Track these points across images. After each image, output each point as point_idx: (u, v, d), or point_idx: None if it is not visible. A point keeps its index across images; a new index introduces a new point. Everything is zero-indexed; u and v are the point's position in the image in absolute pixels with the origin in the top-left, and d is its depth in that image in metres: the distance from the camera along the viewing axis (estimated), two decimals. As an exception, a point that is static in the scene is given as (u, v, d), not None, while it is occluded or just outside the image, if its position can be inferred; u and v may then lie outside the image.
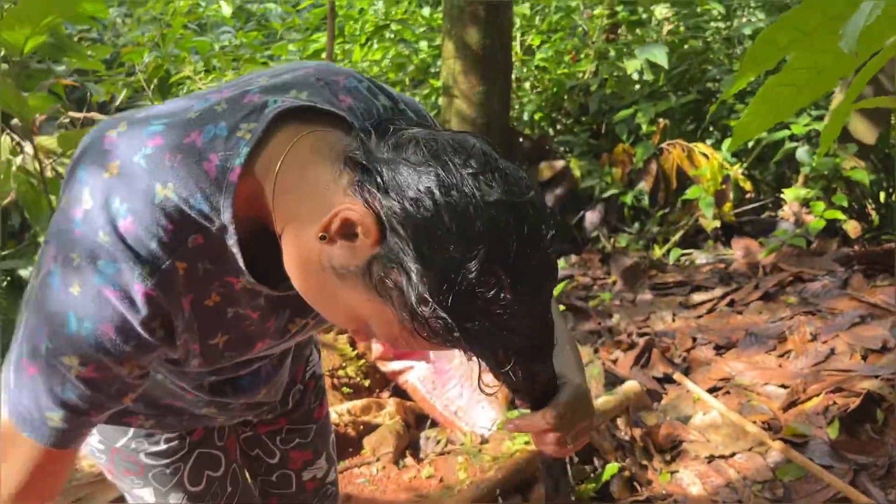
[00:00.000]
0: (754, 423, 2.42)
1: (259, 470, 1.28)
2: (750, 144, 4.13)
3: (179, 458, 1.10)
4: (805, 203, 3.85)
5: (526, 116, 4.85)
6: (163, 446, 1.08)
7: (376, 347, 2.49)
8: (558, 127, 5.02)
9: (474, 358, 0.73)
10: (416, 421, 2.49)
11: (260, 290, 0.81)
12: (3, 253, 2.70)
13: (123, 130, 0.76)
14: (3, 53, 2.78)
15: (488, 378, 0.76)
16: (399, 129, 0.72)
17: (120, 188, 0.72)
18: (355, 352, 2.53)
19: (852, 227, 3.80)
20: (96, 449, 1.10)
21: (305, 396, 1.25)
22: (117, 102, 3.65)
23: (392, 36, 4.74)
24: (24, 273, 2.95)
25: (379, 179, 0.68)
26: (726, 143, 4.03)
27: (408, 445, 2.40)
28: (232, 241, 0.75)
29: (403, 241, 0.67)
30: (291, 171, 0.74)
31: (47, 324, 0.74)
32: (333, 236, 0.71)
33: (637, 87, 4.77)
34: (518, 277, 0.67)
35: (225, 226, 0.74)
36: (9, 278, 3.01)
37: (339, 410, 2.36)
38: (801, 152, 3.78)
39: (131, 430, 1.06)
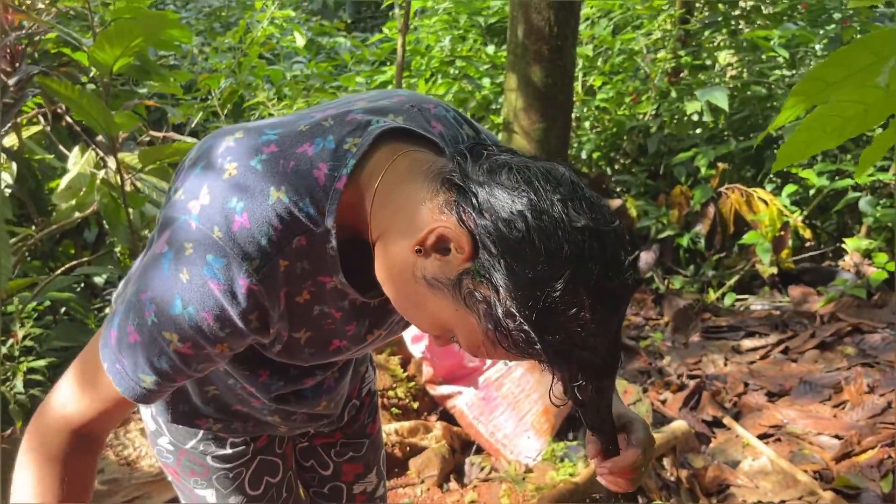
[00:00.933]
0: (805, 471, 2.38)
1: (312, 481, 1.32)
2: (811, 193, 4.09)
3: (243, 464, 1.15)
4: (867, 254, 3.77)
5: (584, 155, 4.89)
6: (229, 450, 1.14)
7: (427, 370, 2.54)
8: (616, 167, 5.04)
9: (546, 372, 0.77)
10: (462, 446, 2.52)
11: (347, 293, 0.87)
12: (80, 261, 2.85)
13: (240, 137, 0.83)
14: (91, 74, 2.98)
15: (554, 392, 0.80)
16: (492, 155, 0.78)
17: (237, 189, 0.79)
18: (406, 374, 2.58)
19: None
20: (165, 450, 1.15)
21: (360, 412, 1.29)
22: (193, 125, 3.83)
23: (456, 72, 4.86)
24: (98, 280, 3.11)
25: (474, 200, 0.74)
26: (786, 189, 3.99)
27: (452, 469, 2.43)
28: (332, 244, 0.82)
29: (494, 259, 0.72)
30: (390, 186, 0.81)
31: (155, 301, 0.81)
32: (428, 250, 0.77)
33: (698, 130, 4.78)
34: (598, 299, 0.72)
35: (328, 230, 0.81)
36: (83, 284, 3.17)
37: (388, 430, 2.41)
38: (864, 202, 3.72)
39: (200, 433, 1.12)
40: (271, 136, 0.83)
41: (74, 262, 2.77)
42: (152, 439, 1.16)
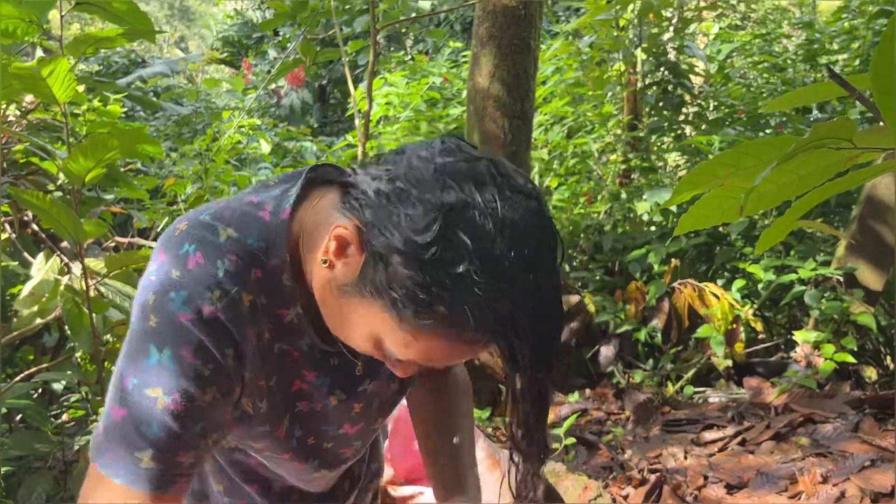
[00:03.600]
0: (764, 564, 2.40)
1: None
2: (760, 287, 4.25)
3: None
4: (816, 345, 3.90)
5: (543, 253, 5.03)
6: None
7: (387, 471, 2.53)
8: (574, 263, 5.19)
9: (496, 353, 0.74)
10: (424, 548, 2.49)
11: (304, 331, 0.88)
12: (39, 367, 2.84)
13: (189, 211, 0.90)
14: (60, 182, 3.06)
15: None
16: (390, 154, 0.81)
17: (188, 237, 0.83)
18: (367, 475, 2.57)
19: (871, 373, 3.83)
20: None
21: None
22: (158, 229, 3.89)
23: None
24: (56, 387, 3.08)
25: (353, 194, 0.78)
26: (736, 284, 4.15)
27: (415, 573, 2.39)
28: (287, 275, 0.85)
29: (382, 236, 0.73)
30: (313, 222, 0.86)
31: (132, 362, 0.80)
32: (332, 259, 0.78)
33: (652, 228, 4.97)
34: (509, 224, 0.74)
35: (283, 261, 0.84)
36: (41, 391, 3.14)
37: (349, 534, 2.38)
38: (808, 296, 3.88)
39: None
40: (219, 202, 0.88)
41: (33, 370, 2.76)
42: None
